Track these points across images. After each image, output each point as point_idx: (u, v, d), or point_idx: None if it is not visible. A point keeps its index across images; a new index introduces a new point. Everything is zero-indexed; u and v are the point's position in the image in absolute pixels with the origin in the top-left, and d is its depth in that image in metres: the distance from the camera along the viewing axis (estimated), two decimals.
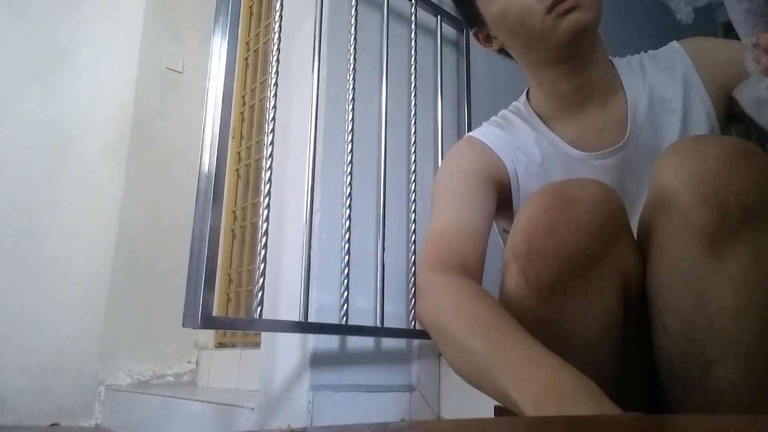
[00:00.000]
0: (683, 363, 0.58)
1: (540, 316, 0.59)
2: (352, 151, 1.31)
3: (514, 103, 0.90)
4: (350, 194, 1.29)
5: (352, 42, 1.36)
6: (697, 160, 0.55)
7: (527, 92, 0.88)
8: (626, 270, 0.62)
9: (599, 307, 0.60)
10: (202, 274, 0.98)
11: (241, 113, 2.52)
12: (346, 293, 1.23)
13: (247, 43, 2.58)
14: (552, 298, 0.58)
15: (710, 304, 0.54)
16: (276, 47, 1.24)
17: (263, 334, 1.41)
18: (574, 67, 0.79)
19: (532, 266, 0.58)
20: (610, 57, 0.85)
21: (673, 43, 0.85)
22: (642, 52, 0.87)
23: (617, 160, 0.79)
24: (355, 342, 1.30)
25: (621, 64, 0.85)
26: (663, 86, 0.81)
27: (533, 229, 0.58)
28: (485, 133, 0.84)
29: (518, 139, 0.82)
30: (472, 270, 0.68)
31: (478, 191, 0.76)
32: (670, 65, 0.82)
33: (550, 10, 0.71)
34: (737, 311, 0.53)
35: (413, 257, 1.39)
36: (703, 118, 0.79)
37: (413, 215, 1.40)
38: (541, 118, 0.84)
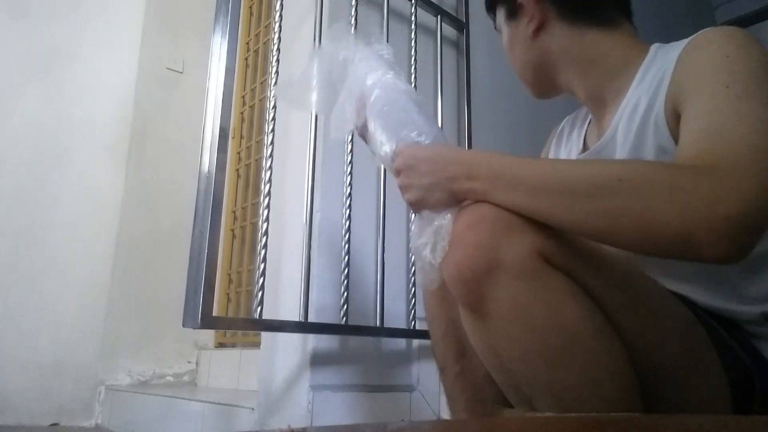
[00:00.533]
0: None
1: None
2: (352, 151, 1.30)
3: None
4: (350, 194, 1.28)
5: None
6: (453, 232, 0.61)
7: None
8: None
9: None
10: (202, 274, 0.99)
11: (241, 113, 2.52)
12: (346, 293, 1.23)
13: (247, 43, 2.58)
14: None
15: (502, 356, 0.61)
16: (276, 47, 1.24)
17: (263, 334, 1.41)
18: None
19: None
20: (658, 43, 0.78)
21: (699, 33, 0.69)
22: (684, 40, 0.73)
23: None
24: (355, 342, 1.30)
25: (651, 57, 0.77)
26: (646, 88, 0.74)
27: None
28: None
29: (563, 148, 0.96)
30: None
31: None
32: (665, 61, 0.72)
33: None
34: (515, 359, 0.60)
35: (413, 257, 1.39)
36: (654, 132, 0.71)
37: (413, 215, 1.40)
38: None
